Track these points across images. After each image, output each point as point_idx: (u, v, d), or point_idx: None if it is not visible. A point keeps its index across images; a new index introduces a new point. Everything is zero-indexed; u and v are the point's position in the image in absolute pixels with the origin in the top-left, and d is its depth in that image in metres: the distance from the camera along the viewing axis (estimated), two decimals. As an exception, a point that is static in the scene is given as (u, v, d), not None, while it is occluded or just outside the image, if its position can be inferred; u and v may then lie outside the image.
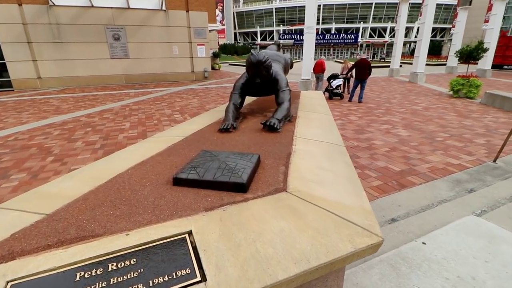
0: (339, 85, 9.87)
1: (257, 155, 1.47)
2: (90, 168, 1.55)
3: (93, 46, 14.06)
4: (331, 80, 9.96)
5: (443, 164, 4.12)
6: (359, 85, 9.30)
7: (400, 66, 19.83)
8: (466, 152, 4.64)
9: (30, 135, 5.98)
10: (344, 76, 10.24)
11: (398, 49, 18.46)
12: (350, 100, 9.45)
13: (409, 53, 50.01)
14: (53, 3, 12.74)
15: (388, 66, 22.16)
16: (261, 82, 2.41)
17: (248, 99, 3.49)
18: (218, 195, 1.16)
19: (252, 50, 2.25)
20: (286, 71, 3.35)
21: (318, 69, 11.21)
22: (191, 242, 0.91)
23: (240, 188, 1.17)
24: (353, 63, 10.09)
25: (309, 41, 10.98)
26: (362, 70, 9.05)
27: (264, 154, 1.62)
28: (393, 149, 4.75)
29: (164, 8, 14.86)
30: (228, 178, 1.19)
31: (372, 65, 9.35)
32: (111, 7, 13.85)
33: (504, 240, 2.11)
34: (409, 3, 18.23)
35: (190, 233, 0.94)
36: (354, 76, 9.83)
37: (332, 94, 9.88)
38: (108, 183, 1.31)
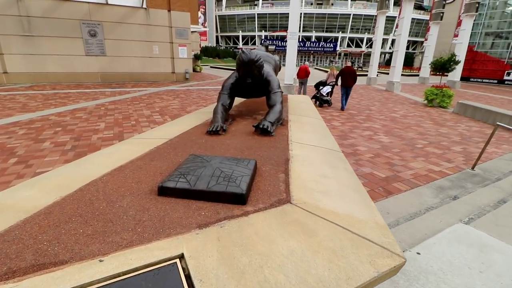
0: (328, 92, 9.69)
1: (254, 160, 1.32)
2: (56, 174, 1.32)
3: (66, 42, 13.25)
4: (321, 87, 9.70)
5: (425, 170, 4.19)
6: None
7: (377, 75, 20.57)
8: (446, 159, 4.77)
9: (-10, 134, 5.41)
10: (333, 83, 9.93)
11: (375, 59, 19.14)
12: (342, 109, 9.17)
13: (384, 63, 52.29)
14: (23, -6, 11.88)
15: (366, 75, 22.94)
16: (252, 82, 2.27)
17: (236, 101, 3.34)
18: (212, 208, 0.99)
19: (243, 48, 2.09)
20: (275, 73, 3.24)
21: (302, 74, 11.29)
22: (184, 269, 0.73)
23: (238, 200, 1.01)
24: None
25: (292, 46, 11.05)
26: (348, 78, 9.02)
27: (260, 160, 1.47)
28: (377, 155, 4.78)
29: (145, 6, 14.38)
30: (224, 187, 1.03)
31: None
32: (88, 2, 13.17)
33: (495, 249, 2.10)
34: (386, 16, 19.03)
35: (181, 257, 0.77)
36: (339, 84, 9.99)
37: (321, 101, 9.63)
38: (78, 192, 1.10)
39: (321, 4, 59.16)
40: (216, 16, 59.83)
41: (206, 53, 45.82)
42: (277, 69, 3.28)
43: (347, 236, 0.89)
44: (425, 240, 2.24)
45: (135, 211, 0.97)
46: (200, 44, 35.94)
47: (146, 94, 11.00)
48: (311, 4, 58.77)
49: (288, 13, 11.00)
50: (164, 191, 1.06)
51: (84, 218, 0.93)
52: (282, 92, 2.40)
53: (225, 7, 60.37)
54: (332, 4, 58.67)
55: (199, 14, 44.98)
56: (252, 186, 1.16)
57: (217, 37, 62.35)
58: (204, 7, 50.99)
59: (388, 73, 16.87)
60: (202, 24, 45.17)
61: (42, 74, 13.20)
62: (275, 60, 3.20)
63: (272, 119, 2.09)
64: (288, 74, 11.48)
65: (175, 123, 2.39)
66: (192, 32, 19.94)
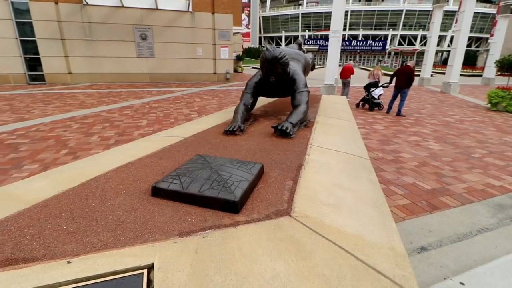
0: (380, 95, 8.76)
1: (260, 164, 1.20)
2: (70, 168, 1.36)
3: (121, 45, 14.48)
4: (372, 89, 8.75)
5: (482, 184, 3.62)
6: (398, 96, 8.22)
7: (431, 75, 18.75)
8: (509, 172, 4.08)
9: (51, 127, 6.10)
10: (387, 84, 8.62)
11: (429, 58, 17.48)
12: (388, 111, 8.35)
13: (441, 63, 47.58)
14: (87, 2, 13.28)
15: (418, 75, 21.08)
16: (277, 81, 2.15)
17: (263, 101, 3.24)
18: (201, 214, 0.91)
19: (267, 45, 1.98)
20: (306, 72, 3.07)
21: (346, 74, 10.76)
22: (149, 282, 0.66)
23: (230, 207, 0.91)
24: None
25: (335, 45, 10.58)
26: (402, 78, 7.93)
27: (270, 164, 1.35)
28: (423, 163, 4.28)
29: (190, 9, 15.05)
30: (216, 192, 0.94)
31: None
32: (140, 8, 14.22)
33: None
34: (443, 10, 17.24)
35: (151, 267, 0.70)
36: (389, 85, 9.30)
37: (373, 105, 8.70)
38: (79, 187, 1.10)
39: (370, 0, 56.10)
40: (260, 17, 60.43)
41: (249, 54, 46.54)
42: (308, 67, 3.10)
43: (350, 262, 0.73)
44: (473, 268, 1.89)
45: (123, 211, 0.92)
46: (242, 45, 36.59)
47: (187, 94, 11.49)
48: (359, 1, 56.10)
49: (332, 11, 10.54)
50: (157, 192, 1.01)
51: (73, 214, 0.91)
52: (309, 92, 2.24)
53: (269, 8, 60.66)
54: (383, 0, 55.25)
55: (244, 16, 45.97)
56: (253, 193, 1.05)
57: (260, 38, 62.94)
58: (248, 9, 51.92)
59: (445, 73, 15.23)
60: (246, 26, 46.08)
61: (99, 74, 14.61)
62: (306, 58, 3.02)
63: (295, 120, 1.95)
64: (329, 74, 11.03)
65: (199, 121, 2.38)
66: (234, 33, 20.38)
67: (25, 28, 13.02)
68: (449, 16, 45.15)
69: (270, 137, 1.80)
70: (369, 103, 8.80)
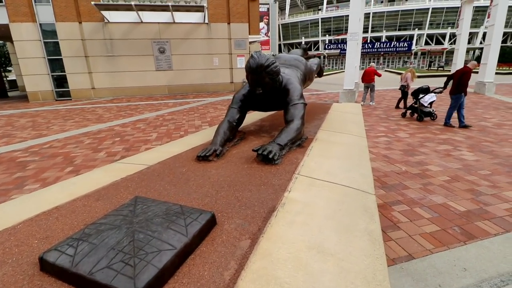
0: (432, 102, 7.30)
1: (209, 214, 0.87)
2: (12, 204, 1.11)
3: (140, 59, 14.91)
4: (421, 96, 7.31)
5: (531, 205, 3.00)
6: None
7: (463, 75, 17.36)
8: None
9: (64, 143, 6.18)
10: (440, 89, 7.27)
11: (460, 56, 16.23)
12: (446, 124, 6.64)
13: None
14: (108, 20, 13.85)
15: (446, 75, 19.71)
16: (264, 93, 1.82)
17: (263, 113, 2.91)
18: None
19: (252, 52, 1.66)
20: (309, 79, 2.70)
21: (368, 78, 10.20)
22: None
23: (125, 305, 0.58)
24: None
25: (353, 48, 10.05)
26: (466, 81, 6.53)
27: (231, 208, 1.01)
28: (455, 178, 3.69)
29: (206, 21, 15.21)
30: (112, 276, 0.62)
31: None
32: (158, 22, 14.59)
33: None
34: (473, 6, 16.01)
35: None
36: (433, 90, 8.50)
37: (422, 114, 7.24)
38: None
39: (394, 1, 54.31)
40: (279, 25, 60.62)
41: (268, 61, 46.47)
42: (311, 74, 2.73)
43: None
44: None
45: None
46: (261, 54, 36.60)
47: (203, 104, 11.44)
48: (381, 2, 54.54)
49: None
50: (45, 266, 0.70)
51: None
52: (305, 104, 1.87)
53: (288, 15, 60.73)
54: (407, 0, 53.26)
55: (262, 24, 46.28)
56: (182, 266, 0.72)
57: (279, 45, 63.03)
58: (267, 17, 52.26)
59: (477, 72, 13.98)
60: (265, 34, 46.30)
61: (120, 88, 15.09)
62: (308, 64, 2.66)
63: (284, 140, 1.59)
64: (348, 79, 10.47)
65: (181, 141, 2.10)
66: (251, 42, 20.36)
67: (52, 48, 13.79)
68: (480, 12, 42.33)
69: (249, 164, 1.46)
70: (417, 112, 7.38)
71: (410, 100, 8.75)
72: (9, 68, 27.00)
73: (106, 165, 1.64)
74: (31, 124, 8.47)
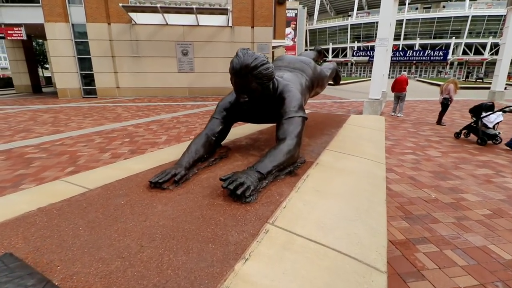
0: (499, 123, 6.03)
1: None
2: None
3: (163, 60, 15.10)
4: (484, 114, 6.00)
5: None
6: None
7: (505, 88, 15.85)
8: None
9: (76, 141, 6.15)
10: (510, 108, 6.05)
11: (503, 68, 14.80)
12: (510, 145, 5.59)
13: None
14: (135, 22, 14.17)
15: (487, 88, 18.15)
16: (252, 101, 1.43)
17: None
18: None
19: (238, 50, 1.25)
20: (318, 86, 2.26)
21: (399, 87, 9.54)
22: None
23: None
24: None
25: (381, 55, 9.36)
26: None
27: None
28: (497, 213, 3.04)
29: (230, 24, 15.11)
30: None
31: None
32: (183, 25, 14.71)
33: None
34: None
35: None
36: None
37: (485, 137, 5.87)
38: None
39: (429, 8, 51.80)
40: (306, 30, 59.96)
41: (293, 67, 45.96)
42: (322, 81, 2.29)
43: None
44: None
45: None
46: (286, 59, 36.19)
47: (220, 108, 11.22)
48: (416, 9, 52.21)
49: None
50: None
51: None
52: (305, 118, 1.45)
53: (317, 20, 59.96)
54: (444, 7, 50.56)
55: (290, 29, 45.92)
56: None
57: (306, 50, 62.26)
58: (295, 22, 51.87)
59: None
60: (292, 39, 45.85)
61: (143, 89, 15.35)
62: (318, 68, 2.22)
63: (267, 166, 1.19)
64: (374, 87, 9.77)
65: (151, 156, 1.76)
66: (276, 46, 20.07)
67: (82, 47, 14.34)
68: (528, 20, 39.02)
69: (213, 198, 1.07)
70: (477, 134, 6.03)
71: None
72: (47, 66, 28.79)
73: (45, 184, 1.32)
74: (52, 120, 8.68)
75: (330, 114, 3.15)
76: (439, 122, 8.13)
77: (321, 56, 2.86)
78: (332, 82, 2.95)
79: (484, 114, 6.01)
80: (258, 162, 1.21)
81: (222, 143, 1.70)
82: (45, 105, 12.44)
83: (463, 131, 6.46)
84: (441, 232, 2.64)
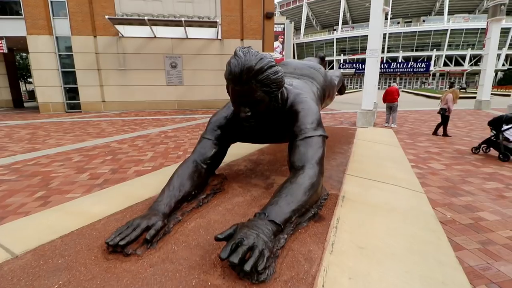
0: None
1: None
2: None
3: (151, 74, 14.71)
4: (505, 127, 5.40)
5: None
6: None
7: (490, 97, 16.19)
8: None
9: (52, 159, 5.61)
10: None
11: (487, 77, 15.19)
12: None
13: (496, 83, 42.80)
14: (122, 35, 13.82)
15: (472, 97, 18.58)
16: (256, 117, 1.07)
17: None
18: None
19: (237, 48, 0.87)
20: (328, 97, 1.93)
21: (390, 97, 9.50)
22: None
23: None
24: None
25: (372, 65, 9.30)
26: None
27: None
28: (522, 233, 2.74)
29: (220, 37, 14.98)
30: None
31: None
32: (171, 38, 14.46)
33: None
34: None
35: None
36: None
37: (508, 152, 5.34)
38: None
39: (410, 22, 53.93)
40: (294, 44, 61.08)
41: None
42: (332, 89, 1.97)
43: None
44: None
45: None
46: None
47: (210, 121, 10.84)
48: (398, 23, 54.24)
49: (369, 32, 9.43)
50: None
51: None
52: (326, 137, 1.10)
53: (303, 35, 61.29)
54: (424, 21, 52.74)
55: (277, 43, 46.60)
56: None
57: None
58: (282, 36, 52.82)
59: (506, 95, 12.79)
60: (280, 53, 46.51)
61: (130, 102, 14.85)
62: (328, 75, 1.90)
63: (285, 212, 0.81)
64: (366, 98, 9.65)
65: (121, 190, 1.35)
66: (265, 59, 20.00)
67: (66, 60, 13.82)
68: (503, 34, 40.98)
69: (207, 272, 0.68)
70: (498, 149, 5.52)
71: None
72: (30, 80, 27.88)
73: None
74: (30, 137, 8.07)
75: (334, 128, 2.83)
76: (435, 133, 7.96)
77: (323, 63, 2.56)
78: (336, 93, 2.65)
79: (505, 127, 5.41)
80: (270, 204, 0.83)
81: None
82: (24, 120, 11.75)
83: (482, 146, 5.89)
84: (469, 261, 2.30)
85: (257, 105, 1.03)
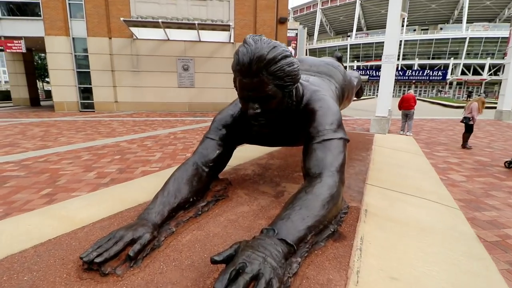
0: None
1: None
2: None
3: (164, 75, 14.86)
4: None
5: None
6: None
7: (512, 108, 15.53)
8: None
9: (61, 157, 5.62)
10: None
11: (509, 87, 14.58)
12: None
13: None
14: (136, 37, 14.04)
15: (491, 107, 17.87)
16: (267, 115, 0.93)
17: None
18: None
19: (247, 36, 0.73)
20: (346, 98, 1.77)
21: (407, 104, 9.19)
22: None
23: None
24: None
25: (388, 71, 9.04)
26: None
27: None
28: (557, 256, 2.48)
29: (232, 41, 15.00)
30: None
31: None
32: (184, 40, 14.58)
33: None
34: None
35: None
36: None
37: None
38: None
39: (427, 30, 52.94)
40: (306, 49, 60.94)
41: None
42: (350, 90, 1.81)
43: None
44: None
45: None
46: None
47: (220, 124, 10.78)
48: (414, 30, 53.34)
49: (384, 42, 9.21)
50: None
51: None
52: (347, 140, 0.95)
53: (316, 40, 61.09)
54: (441, 29, 51.67)
55: (290, 49, 46.68)
56: None
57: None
58: (295, 42, 52.90)
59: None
60: (292, 58, 46.44)
61: (142, 103, 15.01)
62: (347, 74, 1.75)
63: (298, 229, 0.66)
64: (381, 104, 9.38)
65: (114, 192, 1.23)
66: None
67: (81, 61, 14.13)
68: (525, 42, 39.65)
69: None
70: None
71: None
72: (48, 79, 28.74)
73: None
74: (42, 134, 8.19)
75: (349, 133, 2.65)
76: (464, 145, 7.26)
77: (340, 63, 2.40)
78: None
79: None
80: (281, 219, 0.69)
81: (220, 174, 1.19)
82: (39, 118, 12.01)
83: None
84: (498, 285, 2.07)
85: (268, 101, 0.89)
